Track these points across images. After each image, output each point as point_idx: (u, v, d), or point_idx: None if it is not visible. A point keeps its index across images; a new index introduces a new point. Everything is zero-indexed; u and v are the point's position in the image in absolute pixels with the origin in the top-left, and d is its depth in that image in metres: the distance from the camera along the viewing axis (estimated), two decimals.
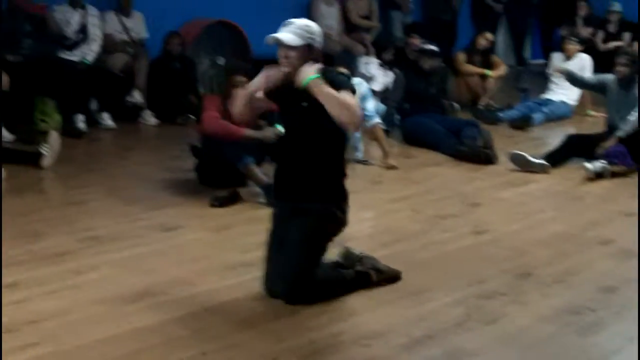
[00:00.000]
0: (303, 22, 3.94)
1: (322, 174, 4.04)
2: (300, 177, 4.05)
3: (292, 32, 3.87)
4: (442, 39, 11.09)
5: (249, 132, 5.92)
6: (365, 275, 4.25)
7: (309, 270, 4.00)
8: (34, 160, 6.65)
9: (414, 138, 7.89)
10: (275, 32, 3.94)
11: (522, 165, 6.84)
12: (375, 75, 9.16)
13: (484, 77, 9.76)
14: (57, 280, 4.33)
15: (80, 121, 8.04)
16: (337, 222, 4.10)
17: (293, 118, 4.07)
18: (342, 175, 4.11)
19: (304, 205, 4.03)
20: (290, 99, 4.01)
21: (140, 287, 4.24)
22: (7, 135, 7.47)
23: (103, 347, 3.57)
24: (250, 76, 7.79)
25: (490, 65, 9.83)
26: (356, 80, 7.12)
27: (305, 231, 4.01)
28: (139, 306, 4.01)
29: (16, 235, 5.06)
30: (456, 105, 9.34)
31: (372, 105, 7.10)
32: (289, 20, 3.95)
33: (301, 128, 4.01)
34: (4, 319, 3.84)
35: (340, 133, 3.99)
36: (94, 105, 8.44)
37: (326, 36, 9.91)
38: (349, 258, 4.38)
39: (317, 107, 3.82)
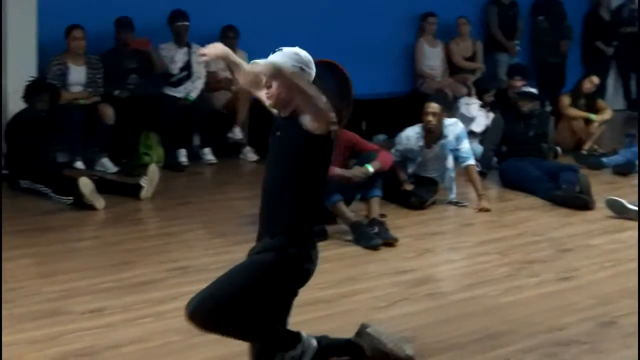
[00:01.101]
0: (292, 50, 3.56)
1: (288, 210, 3.53)
2: (269, 212, 3.60)
3: (278, 60, 3.51)
4: (549, 82, 11.04)
5: (337, 170, 5.98)
6: (356, 347, 3.85)
7: (223, 307, 3.44)
8: (134, 192, 6.89)
9: (511, 181, 7.80)
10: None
11: (618, 211, 6.68)
12: (475, 117, 9.13)
13: (588, 121, 9.57)
14: (140, 308, 4.49)
15: (183, 155, 8.29)
16: (294, 267, 3.52)
17: (269, 147, 3.66)
18: (312, 216, 3.61)
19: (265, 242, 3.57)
20: (271, 128, 3.68)
21: None
22: (110, 167, 7.81)
23: None
24: (343, 114, 7.95)
25: (595, 109, 9.64)
26: (451, 121, 7.13)
27: (245, 263, 3.57)
28: (212, 337, 4.08)
29: (107, 264, 5.27)
30: (558, 149, 9.20)
31: (467, 146, 7.05)
32: (279, 47, 3.60)
33: (274, 159, 3.62)
34: (86, 344, 4.02)
35: (314, 169, 3.57)
36: (196, 140, 8.70)
37: (429, 77, 10.14)
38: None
39: (289, 138, 3.51)
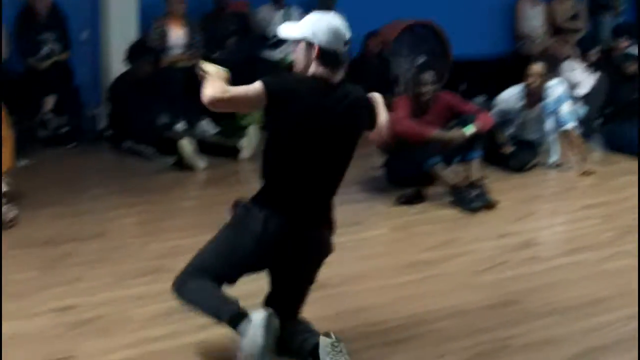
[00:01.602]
0: (314, 16, 3.46)
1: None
2: None
3: (295, 25, 3.49)
4: None
5: (436, 132, 5.94)
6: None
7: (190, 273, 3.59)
8: (234, 153, 6.97)
9: (615, 144, 7.63)
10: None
11: None
12: (580, 81, 8.89)
13: None
14: None
15: None
16: (239, 219, 3.59)
17: None
18: (271, 180, 3.55)
19: None
20: None
21: (317, 280, 4.35)
22: (210, 128, 7.90)
23: None
24: (442, 75, 7.84)
25: None
26: (554, 82, 6.97)
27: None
28: (315, 297, 4.11)
29: (210, 222, 5.31)
30: None
31: (567, 108, 6.88)
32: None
33: None
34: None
35: (270, 136, 3.57)
36: None
37: (530, 38, 9.92)
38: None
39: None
